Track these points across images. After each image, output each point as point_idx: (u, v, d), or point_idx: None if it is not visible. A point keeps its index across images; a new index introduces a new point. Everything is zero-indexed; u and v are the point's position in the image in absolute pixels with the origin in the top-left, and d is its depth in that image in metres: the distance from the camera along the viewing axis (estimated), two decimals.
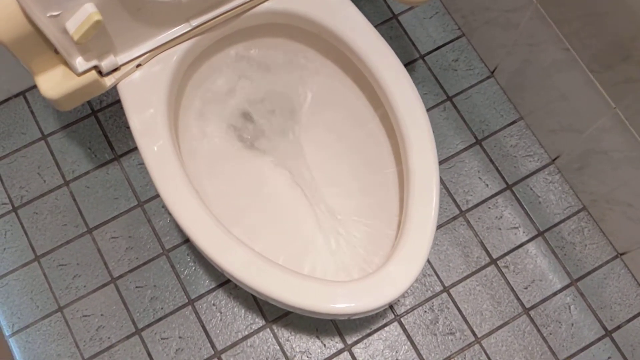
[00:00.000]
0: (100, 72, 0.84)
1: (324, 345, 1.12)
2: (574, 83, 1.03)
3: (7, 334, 1.13)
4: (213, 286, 1.15)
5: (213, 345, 1.12)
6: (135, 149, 1.23)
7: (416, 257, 0.81)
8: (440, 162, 1.22)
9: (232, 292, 1.15)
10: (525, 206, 1.20)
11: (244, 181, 1.00)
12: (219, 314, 1.14)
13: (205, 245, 0.80)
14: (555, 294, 1.15)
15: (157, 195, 1.20)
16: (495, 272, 1.16)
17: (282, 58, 1.00)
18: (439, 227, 1.18)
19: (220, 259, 0.79)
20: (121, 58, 0.85)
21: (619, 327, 1.14)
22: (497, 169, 1.22)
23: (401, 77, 0.87)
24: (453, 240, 1.18)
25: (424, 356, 1.12)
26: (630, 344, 1.13)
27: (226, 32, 0.92)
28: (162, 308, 1.14)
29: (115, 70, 0.85)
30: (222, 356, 1.12)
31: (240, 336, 1.13)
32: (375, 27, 0.91)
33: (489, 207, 1.20)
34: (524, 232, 1.18)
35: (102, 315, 1.14)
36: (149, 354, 1.12)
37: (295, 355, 1.12)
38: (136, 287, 1.15)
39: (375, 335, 1.13)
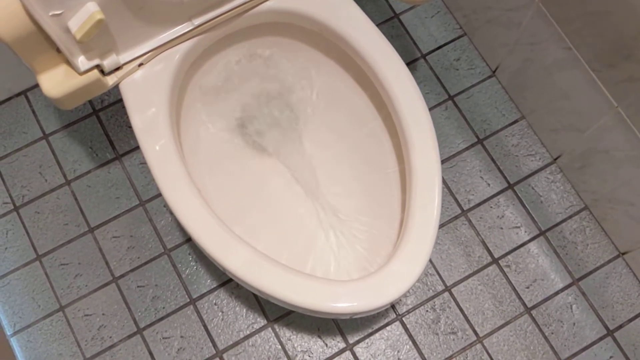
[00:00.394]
0: (102, 71, 0.84)
1: (326, 344, 1.12)
2: (576, 82, 1.03)
3: (8, 333, 1.13)
4: (214, 285, 1.15)
5: (215, 345, 1.12)
6: (136, 148, 1.23)
7: (418, 257, 0.81)
8: (442, 162, 1.22)
9: (233, 292, 1.15)
10: (526, 205, 1.20)
11: (245, 180, 1.00)
12: (220, 313, 1.14)
13: (207, 244, 0.80)
14: (557, 293, 1.15)
15: (159, 195, 1.20)
16: (496, 271, 1.16)
17: (284, 57, 1.00)
18: (440, 226, 1.18)
19: (222, 258, 0.79)
20: (123, 57, 0.85)
21: (620, 326, 1.14)
22: (498, 169, 1.22)
23: (403, 76, 0.87)
24: (455, 240, 1.18)
25: (426, 356, 1.12)
26: (632, 343, 1.13)
27: (228, 31, 0.92)
28: (163, 307, 1.14)
29: (117, 69, 0.85)
30: (224, 355, 1.12)
31: (241, 335, 1.13)
32: (377, 26, 0.91)
33: (491, 207, 1.19)
34: (525, 232, 1.18)
35: (103, 314, 1.14)
36: (151, 354, 1.12)
37: (296, 355, 1.12)
38: (138, 286, 1.15)
39: (377, 334, 1.13)
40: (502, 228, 1.18)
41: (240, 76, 1.01)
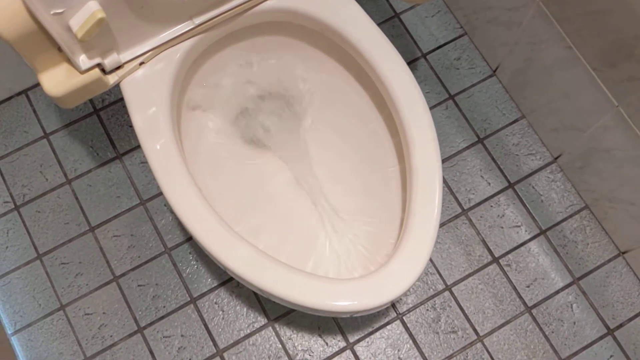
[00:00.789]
0: (103, 70, 0.84)
1: (326, 343, 1.12)
2: (577, 81, 1.03)
3: (9, 332, 1.13)
4: (215, 284, 1.15)
5: (215, 344, 1.12)
6: (137, 147, 1.23)
7: (419, 256, 0.81)
8: (443, 161, 1.22)
9: (234, 291, 1.15)
10: (527, 205, 1.20)
11: (246, 179, 1.00)
12: (221, 312, 1.14)
13: (208, 242, 0.80)
14: (557, 292, 1.15)
15: (159, 194, 1.20)
16: (497, 270, 1.16)
17: (284, 56, 1.00)
18: (441, 225, 1.18)
19: (223, 256, 0.79)
20: (124, 56, 0.85)
21: (621, 325, 1.14)
22: (499, 168, 1.22)
23: (404, 75, 0.87)
24: (455, 239, 1.18)
25: (426, 355, 1.12)
26: (633, 342, 1.13)
27: (229, 30, 0.92)
28: (164, 306, 1.14)
29: (118, 68, 0.85)
30: (224, 354, 1.12)
31: (242, 334, 1.13)
32: (377, 25, 0.91)
33: (491, 206, 1.20)
34: (526, 231, 1.18)
35: (104, 313, 1.14)
36: (151, 353, 1.12)
37: (297, 354, 1.12)
38: (138, 285, 1.15)
39: (377, 333, 1.13)
40: (502, 227, 1.19)
41: (241, 75, 1.01)
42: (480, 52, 1.29)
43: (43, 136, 1.24)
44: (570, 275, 1.16)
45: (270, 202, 0.99)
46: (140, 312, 1.14)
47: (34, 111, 1.25)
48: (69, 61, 0.81)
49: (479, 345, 1.12)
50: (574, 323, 1.14)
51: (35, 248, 1.17)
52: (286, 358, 1.12)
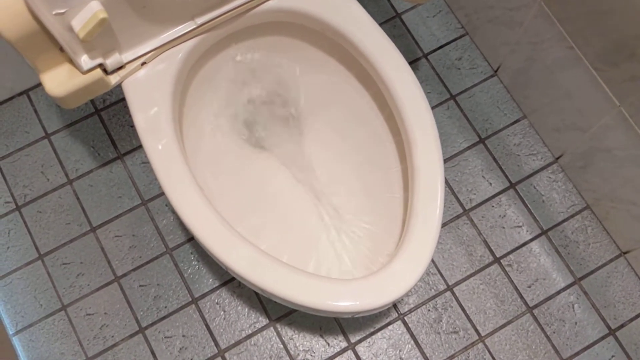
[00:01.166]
0: (105, 70, 0.84)
1: (328, 343, 1.12)
2: (578, 81, 1.03)
3: (10, 332, 1.13)
4: (217, 285, 1.15)
5: (217, 344, 1.12)
6: (138, 147, 1.23)
7: (421, 256, 0.81)
8: (444, 161, 1.22)
9: (235, 291, 1.15)
10: (528, 205, 1.20)
11: (248, 180, 1.00)
12: (222, 312, 1.14)
13: (210, 243, 0.80)
14: (558, 292, 1.15)
15: (161, 194, 1.20)
16: (498, 270, 1.16)
17: (286, 56, 1.00)
18: (442, 225, 1.18)
19: (225, 256, 0.79)
20: (126, 56, 0.85)
21: (622, 325, 1.14)
22: (500, 168, 1.22)
23: (406, 75, 0.87)
24: (456, 239, 1.18)
25: (428, 355, 1.12)
26: (634, 342, 1.13)
27: (231, 30, 0.92)
28: (165, 307, 1.14)
29: (119, 68, 0.85)
30: (226, 355, 1.12)
31: (243, 335, 1.13)
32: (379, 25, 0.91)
33: (493, 206, 1.20)
34: (527, 231, 1.18)
35: (105, 313, 1.14)
36: (153, 353, 1.12)
37: (298, 354, 1.12)
38: (140, 285, 1.15)
39: (378, 334, 1.13)
40: (503, 227, 1.18)
41: (242, 75, 1.01)
42: (481, 52, 1.28)
43: (44, 136, 1.23)
44: (572, 276, 1.16)
45: (271, 202, 0.99)
46: (141, 313, 1.14)
47: (35, 111, 1.25)
48: (71, 61, 0.81)
49: (480, 345, 1.12)
50: (576, 323, 1.14)
51: (37, 248, 1.17)
52: (287, 358, 1.12)
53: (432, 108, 1.25)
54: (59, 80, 0.81)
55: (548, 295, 1.15)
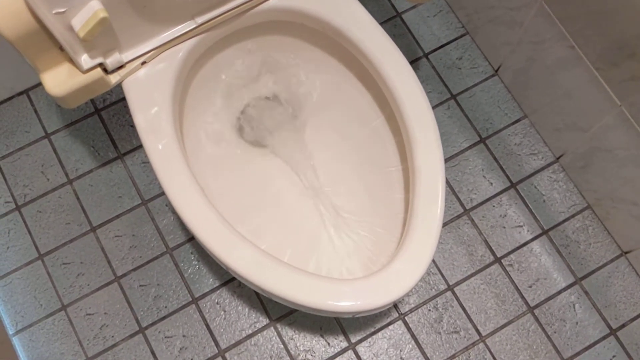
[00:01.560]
0: (105, 70, 0.84)
1: (328, 343, 1.12)
2: (579, 81, 1.03)
3: (10, 332, 1.13)
4: (217, 285, 1.15)
5: (217, 344, 1.12)
6: (138, 147, 1.22)
7: (422, 256, 0.80)
8: (445, 161, 1.21)
9: (235, 291, 1.15)
10: (529, 205, 1.19)
11: (248, 180, 1.00)
12: (222, 312, 1.14)
13: (210, 242, 0.80)
14: (559, 292, 1.15)
15: (161, 194, 1.20)
16: (499, 270, 1.16)
17: (286, 56, 1.00)
18: (443, 225, 1.18)
19: (226, 256, 0.79)
20: (126, 55, 0.85)
21: (623, 325, 1.13)
22: (501, 168, 1.22)
23: (407, 75, 0.87)
24: (457, 239, 1.18)
25: (428, 355, 1.12)
26: (635, 342, 1.13)
27: (231, 30, 0.92)
28: (165, 307, 1.14)
29: (120, 67, 0.85)
30: (226, 355, 1.12)
31: (244, 335, 1.13)
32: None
33: (493, 206, 1.19)
34: (528, 231, 1.18)
35: (105, 313, 1.14)
36: (153, 353, 1.12)
37: (299, 354, 1.12)
38: (140, 285, 1.15)
39: (379, 334, 1.13)
40: (504, 227, 1.18)
41: (242, 75, 1.01)
42: (482, 51, 1.28)
43: (44, 136, 1.23)
44: (573, 276, 1.16)
45: (272, 202, 0.99)
46: (141, 313, 1.14)
47: (35, 111, 1.25)
48: (71, 61, 0.81)
49: (481, 345, 1.12)
50: (577, 323, 1.14)
51: (37, 248, 1.17)
52: (288, 358, 1.11)
53: (433, 108, 1.25)
54: (59, 80, 0.81)
55: (549, 295, 1.15)
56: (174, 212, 1.19)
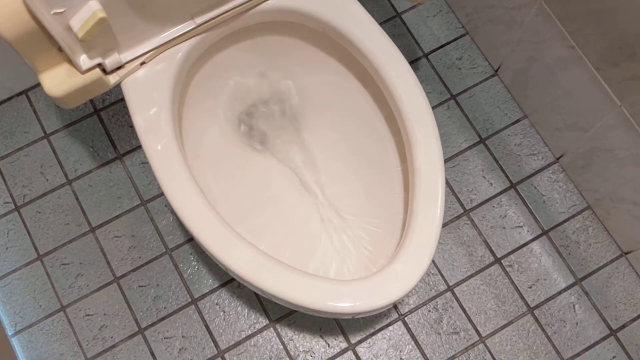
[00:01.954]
0: (104, 70, 0.84)
1: (328, 344, 1.12)
2: (579, 81, 1.03)
3: (9, 333, 1.13)
4: (216, 285, 1.15)
5: (216, 345, 1.12)
6: (137, 147, 1.22)
7: (421, 257, 0.80)
8: (444, 161, 1.22)
9: (235, 292, 1.15)
10: (529, 205, 1.19)
11: (248, 180, 1.00)
12: (222, 313, 1.14)
13: (210, 243, 0.80)
14: (559, 293, 1.15)
15: (160, 194, 1.20)
16: (499, 271, 1.16)
17: (286, 56, 1.00)
18: (442, 226, 1.18)
19: (225, 257, 0.79)
20: (125, 56, 0.84)
21: (623, 326, 1.13)
22: (501, 168, 1.21)
23: (407, 75, 0.86)
24: (457, 239, 1.17)
25: (428, 355, 1.12)
26: (635, 343, 1.13)
27: (230, 30, 0.92)
28: (165, 307, 1.14)
29: (119, 68, 0.85)
30: (226, 355, 1.12)
31: (243, 335, 1.12)
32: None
33: (493, 206, 1.19)
34: (528, 231, 1.18)
35: (105, 314, 1.14)
36: (152, 354, 1.12)
37: (298, 355, 1.11)
38: (139, 286, 1.15)
39: (379, 334, 1.13)
40: (504, 227, 1.18)
41: (242, 75, 1.01)
42: (482, 51, 1.28)
43: (43, 136, 1.23)
44: (573, 276, 1.16)
45: (271, 203, 0.99)
46: (141, 313, 1.14)
47: (35, 111, 1.25)
48: (70, 61, 0.81)
49: (481, 346, 1.12)
50: (577, 324, 1.13)
51: (36, 249, 1.17)
52: (287, 359, 1.11)
53: (433, 108, 1.25)
54: (57, 80, 0.80)
55: (549, 295, 1.15)
56: (173, 212, 1.18)
